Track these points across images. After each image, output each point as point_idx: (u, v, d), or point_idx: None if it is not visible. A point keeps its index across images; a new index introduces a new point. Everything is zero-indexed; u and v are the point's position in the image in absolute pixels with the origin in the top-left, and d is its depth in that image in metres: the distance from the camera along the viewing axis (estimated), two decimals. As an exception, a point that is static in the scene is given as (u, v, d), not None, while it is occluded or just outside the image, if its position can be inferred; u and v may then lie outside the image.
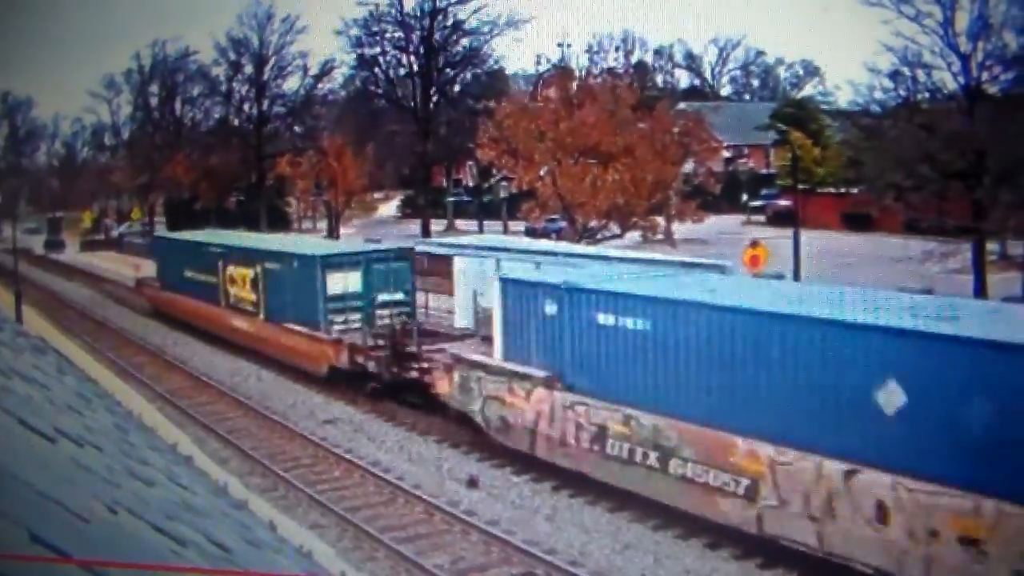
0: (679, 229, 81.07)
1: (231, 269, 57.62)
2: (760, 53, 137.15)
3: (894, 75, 61.56)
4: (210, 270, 60.18)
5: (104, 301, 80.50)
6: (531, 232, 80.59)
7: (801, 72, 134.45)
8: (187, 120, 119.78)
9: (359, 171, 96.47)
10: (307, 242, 67.61)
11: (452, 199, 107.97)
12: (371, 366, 43.62)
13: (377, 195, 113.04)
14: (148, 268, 75.39)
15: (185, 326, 63.85)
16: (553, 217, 79.99)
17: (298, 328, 48.70)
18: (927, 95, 61.81)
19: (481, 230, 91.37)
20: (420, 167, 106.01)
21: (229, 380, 49.70)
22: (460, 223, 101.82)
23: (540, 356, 33.09)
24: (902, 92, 63.11)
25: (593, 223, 74.37)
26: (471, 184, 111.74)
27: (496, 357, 35.23)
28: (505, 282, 35.32)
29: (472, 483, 32.56)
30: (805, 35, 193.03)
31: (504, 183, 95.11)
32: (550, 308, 32.35)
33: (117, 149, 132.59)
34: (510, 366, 34.27)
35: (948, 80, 59.11)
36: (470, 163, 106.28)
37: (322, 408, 43.54)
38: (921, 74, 59.90)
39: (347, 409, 42.92)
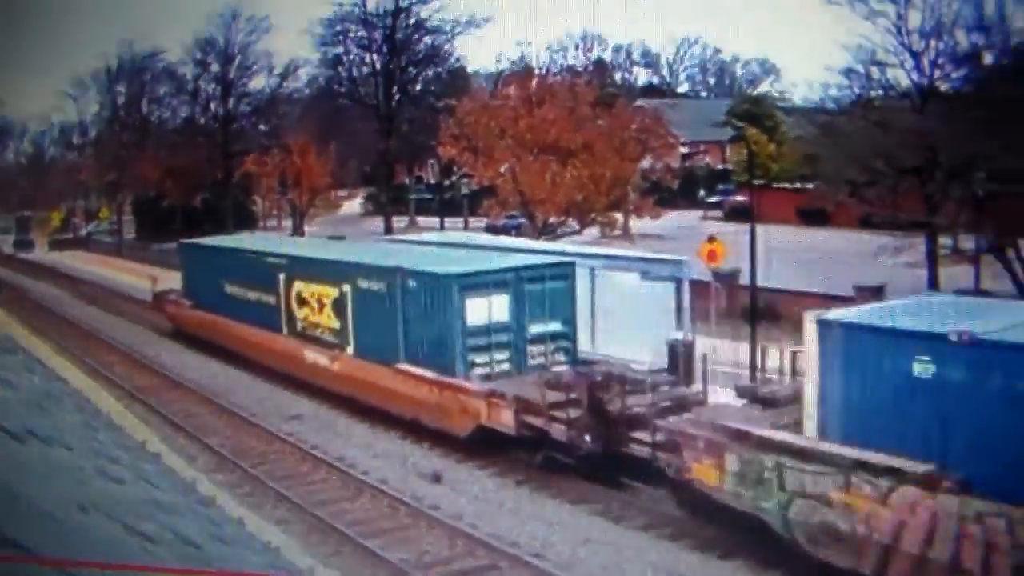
0: (637, 225, 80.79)
1: (299, 286, 44.87)
2: (717, 51, 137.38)
3: (849, 72, 62.17)
4: (265, 286, 47.71)
5: (73, 300, 79.63)
6: (491, 228, 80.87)
7: (757, 69, 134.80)
8: (154, 119, 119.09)
9: (323, 169, 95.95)
10: (417, 252, 45.68)
11: (414, 196, 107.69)
12: (557, 433, 30.78)
13: (341, 193, 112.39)
14: (169, 279, 63.90)
15: (219, 351, 52.40)
16: (513, 213, 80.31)
17: (417, 371, 36.25)
18: (881, 92, 62.10)
19: (442, 227, 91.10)
20: (383, 164, 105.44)
21: (197, 377, 48.62)
22: (422, 220, 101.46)
23: (899, 439, 22.82)
24: (857, 89, 63.88)
25: (552, 219, 74.42)
26: (433, 181, 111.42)
27: (809, 435, 24.84)
28: (828, 326, 24.57)
29: (436, 478, 32.26)
30: (762, 32, 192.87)
31: (465, 180, 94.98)
32: (922, 368, 22.46)
33: (85, 148, 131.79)
34: (844, 452, 23.56)
35: (902, 78, 59.64)
36: (432, 160, 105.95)
37: (288, 404, 42.89)
38: (875, 72, 60.42)
39: (312, 405, 42.43)
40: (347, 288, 41.19)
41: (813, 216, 77.30)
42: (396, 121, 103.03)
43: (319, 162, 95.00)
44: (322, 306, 43.25)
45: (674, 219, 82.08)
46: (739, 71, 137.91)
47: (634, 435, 29.90)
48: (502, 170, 76.67)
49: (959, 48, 57.06)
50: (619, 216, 79.44)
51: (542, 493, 30.50)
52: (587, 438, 30.41)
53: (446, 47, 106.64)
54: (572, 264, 37.52)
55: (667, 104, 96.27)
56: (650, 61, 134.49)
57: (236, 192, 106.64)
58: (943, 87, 59.86)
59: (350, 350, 41.32)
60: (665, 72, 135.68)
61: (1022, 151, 43.67)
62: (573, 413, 30.76)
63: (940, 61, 58.30)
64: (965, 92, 59.42)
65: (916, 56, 58.26)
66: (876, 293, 50.29)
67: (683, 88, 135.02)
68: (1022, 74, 54.41)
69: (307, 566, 22.92)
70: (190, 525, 9.22)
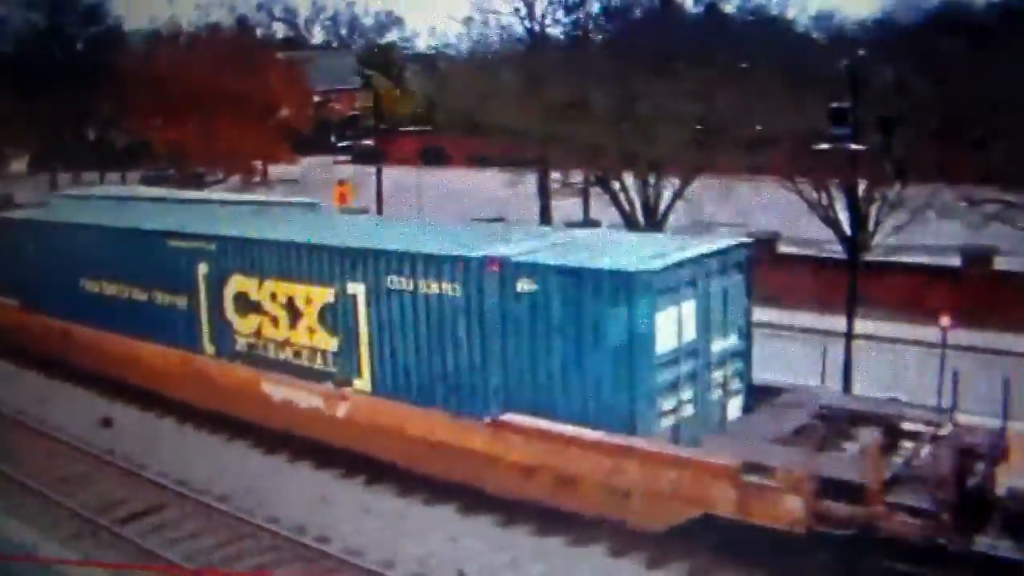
0: (275, 171, 76.35)
1: (243, 284, 25.60)
2: (349, 4, 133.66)
3: (468, 20, 63.87)
4: (167, 283, 27.83)
5: None
6: (146, 180, 75.71)
7: (384, 20, 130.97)
8: None
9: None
10: (488, 232, 26.79)
11: (80, 152, 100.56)
12: (903, 528, 16.52)
13: (9, 151, 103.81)
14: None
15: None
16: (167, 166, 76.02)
17: (551, 428, 19.55)
18: (497, 38, 61.61)
19: (102, 181, 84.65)
20: (48, 122, 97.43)
21: None
22: (83, 175, 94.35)
23: None
24: (475, 36, 63.33)
25: (201, 169, 71.71)
26: (93, 137, 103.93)
27: None
28: None
29: (106, 422, 28.12)
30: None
31: (123, 135, 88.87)
32: None
33: None
34: None
35: (516, 24, 59.17)
36: (93, 117, 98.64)
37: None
38: (492, 19, 59.91)
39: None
40: (357, 289, 22.74)
41: (434, 156, 75.70)
42: (60, 79, 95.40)
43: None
44: (296, 316, 24.31)
45: (309, 164, 78.81)
46: (368, 22, 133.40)
47: None
48: (155, 125, 72.89)
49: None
50: (259, 164, 74.49)
51: (202, 430, 27.28)
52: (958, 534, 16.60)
53: (105, 7, 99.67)
54: (750, 245, 22.37)
55: (304, 56, 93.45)
56: (287, 16, 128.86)
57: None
58: (553, 32, 59.90)
59: (362, 384, 23.13)
60: (301, 26, 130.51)
61: (615, 93, 42.62)
62: (935, 496, 16.53)
63: (551, 8, 58.33)
64: (572, 35, 59.71)
65: (529, 5, 57.78)
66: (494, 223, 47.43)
67: (318, 40, 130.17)
68: (616, 18, 55.30)
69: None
70: None
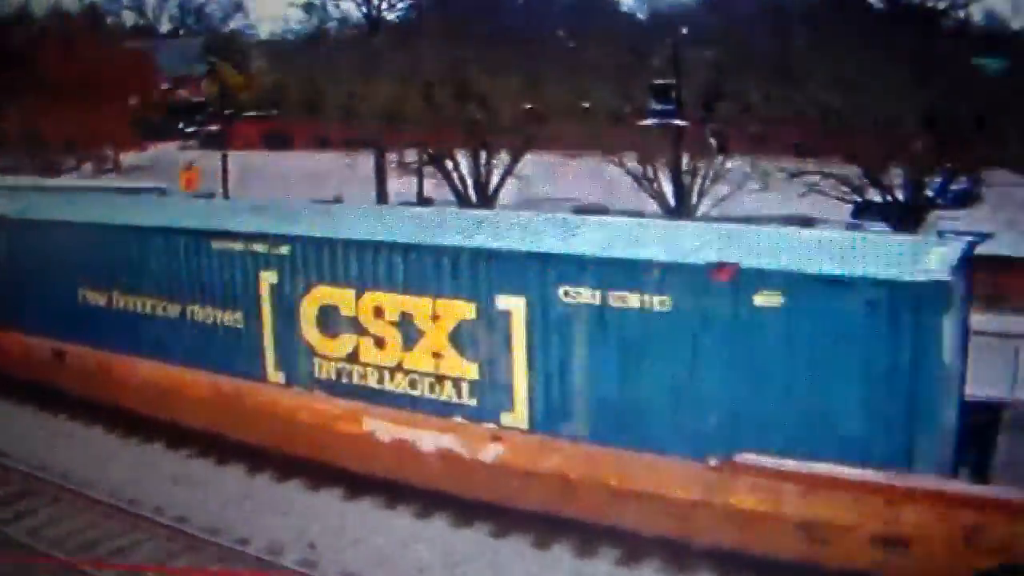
0: (125, 158, 75.37)
1: (331, 295, 18.88)
2: None
3: (309, 7, 63.93)
4: (206, 294, 20.98)
5: None
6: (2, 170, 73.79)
7: (228, 6, 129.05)
8: None
9: None
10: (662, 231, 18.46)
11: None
12: None
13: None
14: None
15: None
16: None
17: (796, 468, 14.74)
18: (335, 24, 63.54)
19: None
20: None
21: None
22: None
23: None
24: (316, 23, 65.05)
25: (56, 157, 68.55)
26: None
27: None
28: None
29: None
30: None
31: None
32: None
33: None
34: None
35: (353, 10, 61.88)
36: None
37: None
38: (331, 5, 62.33)
39: None
40: (511, 303, 17.09)
41: (277, 141, 75.27)
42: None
43: None
44: (415, 336, 18.20)
45: (158, 150, 77.91)
46: (213, 9, 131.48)
47: None
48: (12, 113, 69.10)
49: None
50: (110, 151, 73.50)
51: (62, 416, 24.55)
52: None
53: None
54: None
55: (152, 44, 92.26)
56: (137, 3, 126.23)
57: None
58: (390, 17, 61.60)
59: (514, 421, 17.39)
60: (150, 14, 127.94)
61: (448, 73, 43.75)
62: None
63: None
64: (406, 20, 60.60)
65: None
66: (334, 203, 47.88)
67: (166, 28, 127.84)
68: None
69: None
70: None
